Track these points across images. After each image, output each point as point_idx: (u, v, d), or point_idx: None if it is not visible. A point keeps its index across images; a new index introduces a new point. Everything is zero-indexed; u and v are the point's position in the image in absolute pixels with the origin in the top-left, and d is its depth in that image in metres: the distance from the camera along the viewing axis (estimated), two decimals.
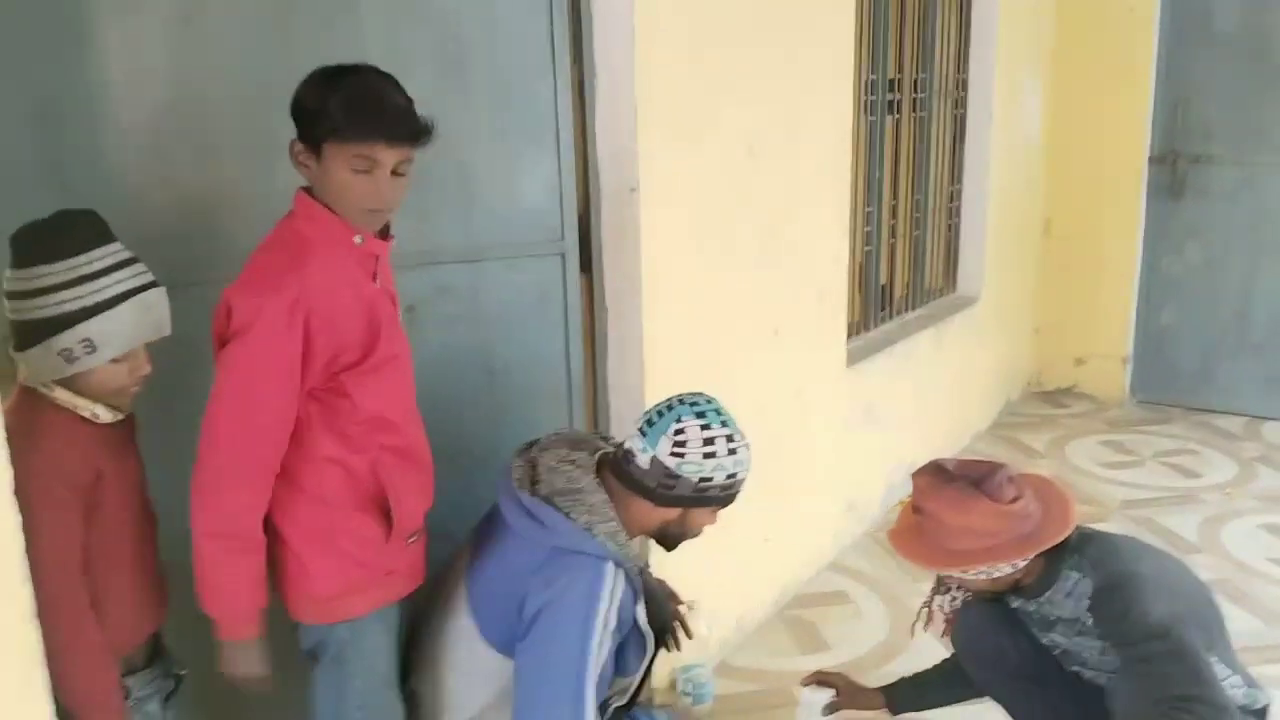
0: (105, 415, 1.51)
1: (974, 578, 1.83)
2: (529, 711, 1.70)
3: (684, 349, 2.56)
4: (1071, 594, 1.84)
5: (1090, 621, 1.83)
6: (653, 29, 2.32)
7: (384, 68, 1.63)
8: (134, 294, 1.47)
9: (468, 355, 2.25)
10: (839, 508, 3.48)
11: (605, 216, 2.40)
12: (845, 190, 3.27)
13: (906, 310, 4.10)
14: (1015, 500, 1.78)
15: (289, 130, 1.62)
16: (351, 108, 1.55)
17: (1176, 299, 4.90)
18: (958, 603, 2.09)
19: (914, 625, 2.18)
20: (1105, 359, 5.09)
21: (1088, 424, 4.79)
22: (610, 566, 1.72)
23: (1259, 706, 1.86)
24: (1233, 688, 1.79)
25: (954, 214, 4.45)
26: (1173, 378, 4.96)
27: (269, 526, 1.65)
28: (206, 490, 1.57)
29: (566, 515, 1.74)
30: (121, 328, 1.45)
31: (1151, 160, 4.79)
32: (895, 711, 2.26)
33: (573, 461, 1.82)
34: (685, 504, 1.81)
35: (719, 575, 2.67)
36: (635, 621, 1.82)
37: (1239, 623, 2.84)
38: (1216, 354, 4.85)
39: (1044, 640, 1.97)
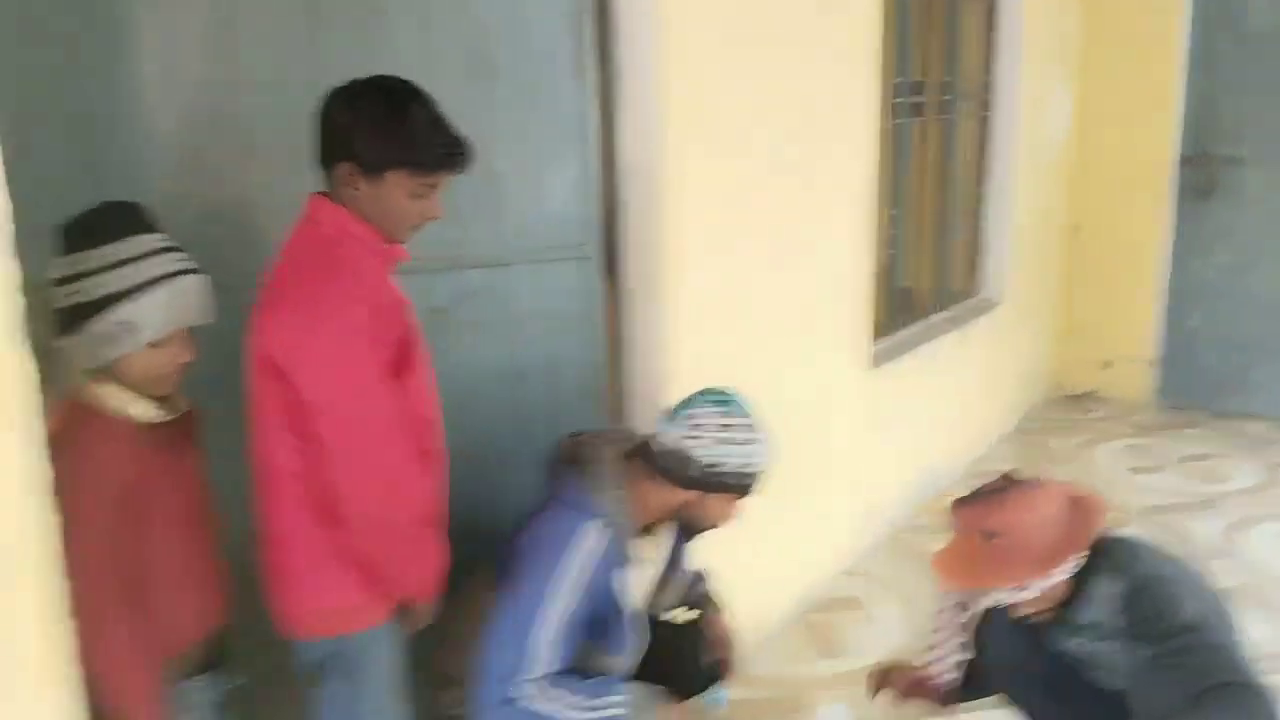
0: (150, 414, 1.52)
1: (1062, 575, 1.81)
2: (491, 637, 1.84)
3: (707, 352, 2.57)
4: (1098, 599, 1.85)
5: (1123, 623, 1.83)
6: (679, 34, 2.34)
7: (413, 73, 1.65)
8: (170, 278, 1.48)
9: (494, 358, 2.28)
10: (859, 511, 3.48)
11: (630, 221, 2.42)
12: (869, 193, 3.27)
13: (930, 313, 4.09)
14: (1047, 481, 1.87)
15: None
16: (429, 142, 1.60)
17: (1205, 302, 4.85)
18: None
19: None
20: (1132, 362, 5.05)
21: (1113, 428, 4.76)
22: (596, 524, 1.86)
23: None
24: None
25: (979, 216, 4.43)
26: (1200, 382, 4.91)
27: (280, 544, 1.65)
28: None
29: (579, 477, 1.91)
30: (157, 310, 1.47)
31: (1181, 161, 4.75)
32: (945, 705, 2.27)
33: (604, 439, 1.99)
34: (698, 487, 1.91)
35: (736, 578, 2.68)
36: (616, 596, 1.89)
37: (1262, 629, 2.83)
38: (1245, 358, 4.80)
39: (1066, 647, 1.97)
